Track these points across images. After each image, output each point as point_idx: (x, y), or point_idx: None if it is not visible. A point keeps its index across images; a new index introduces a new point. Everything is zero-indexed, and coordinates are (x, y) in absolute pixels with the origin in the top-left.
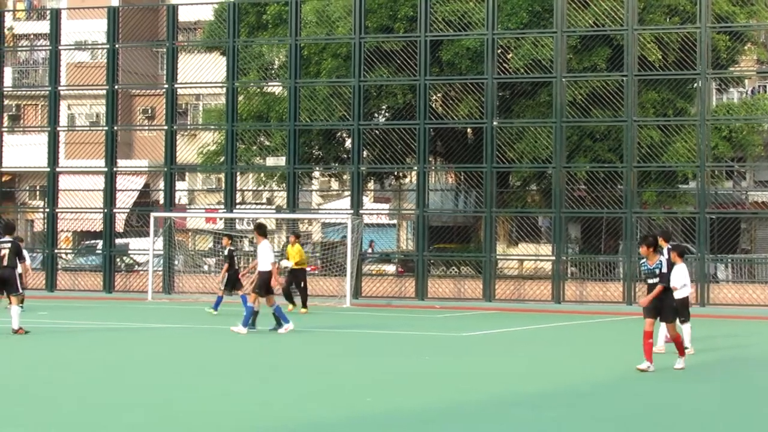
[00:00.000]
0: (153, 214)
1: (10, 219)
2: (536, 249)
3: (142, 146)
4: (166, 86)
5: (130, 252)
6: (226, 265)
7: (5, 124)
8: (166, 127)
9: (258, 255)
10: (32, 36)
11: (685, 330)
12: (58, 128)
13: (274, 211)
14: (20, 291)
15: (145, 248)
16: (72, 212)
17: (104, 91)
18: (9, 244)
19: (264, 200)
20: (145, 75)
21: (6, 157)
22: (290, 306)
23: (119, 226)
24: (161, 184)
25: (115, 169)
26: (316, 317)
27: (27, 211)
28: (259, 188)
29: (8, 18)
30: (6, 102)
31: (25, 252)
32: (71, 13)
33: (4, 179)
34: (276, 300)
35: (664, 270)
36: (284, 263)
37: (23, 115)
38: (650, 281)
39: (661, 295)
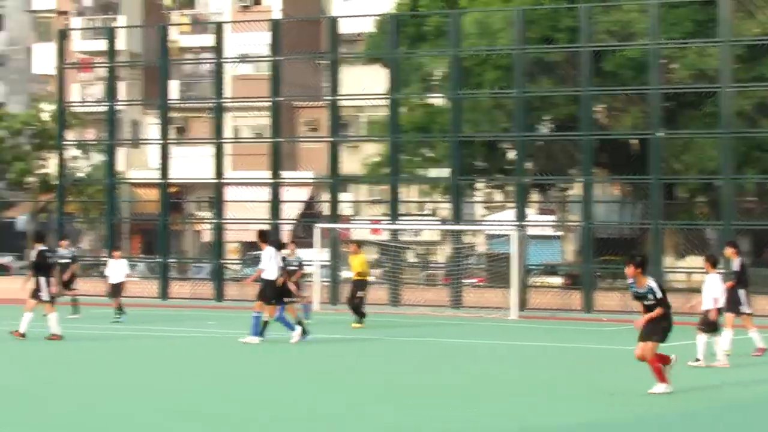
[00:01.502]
0: (318, 226)
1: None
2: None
3: (307, 158)
4: (328, 98)
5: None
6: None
7: (172, 136)
8: (329, 139)
9: (261, 262)
10: (197, 49)
11: (723, 337)
12: (224, 140)
13: (438, 222)
14: (47, 298)
15: (311, 259)
16: (238, 223)
17: (268, 104)
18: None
19: (428, 212)
20: (308, 87)
21: (173, 169)
22: (355, 324)
23: (285, 237)
24: (326, 196)
25: (279, 180)
26: (484, 329)
27: (194, 222)
28: (423, 200)
29: (173, 32)
30: (172, 115)
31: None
32: (234, 26)
33: (172, 191)
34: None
35: (659, 295)
36: (345, 274)
37: (189, 128)
38: (646, 303)
39: (659, 317)
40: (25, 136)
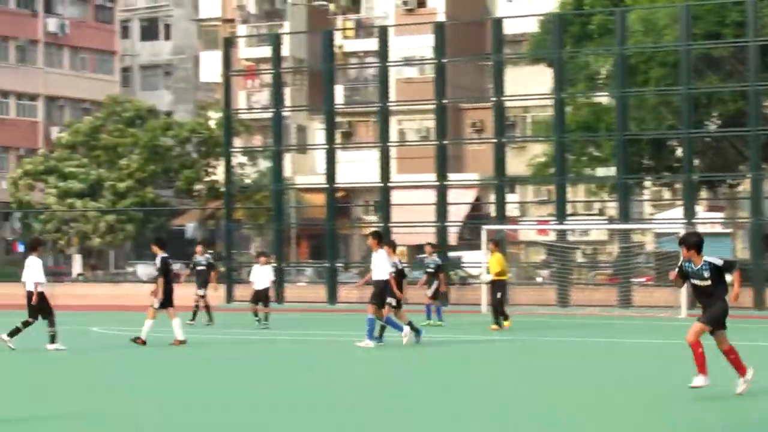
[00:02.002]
0: (484, 227)
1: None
2: None
3: (473, 159)
4: (493, 99)
5: (463, 265)
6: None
7: (338, 141)
8: (495, 140)
9: (374, 264)
10: (361, 53)
11: None
12: (389, 144)
13: (606, 222)
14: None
15: (479, 261)
16: (405, 226)
17: (433, 106)
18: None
19: (595, 211)
20: (473, 88)
21: (340, 173)
22: (494, 325)
23: (452, 239)
24: (492, 197)
25: (445, 182)
26: (657, 330)
27: (362, 226)
28: (590, 199)
29: (338, 37)
30: (338, 119)
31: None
32: (398, 29)
33: (338, 195)
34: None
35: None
36: (485, 277)
37: (355, 132)
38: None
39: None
40: (192, 144)
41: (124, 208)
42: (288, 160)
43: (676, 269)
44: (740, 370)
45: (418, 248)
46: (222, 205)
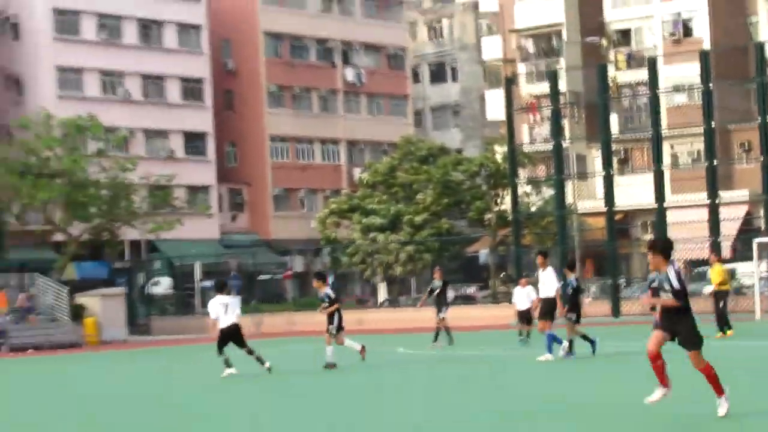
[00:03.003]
0: (756, 240)
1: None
2: None
3: (741, 177)
4: (759, 120)
5: (737, 276)
6: None
7: (615, 167)
8: (762, 159)
9: (542, 282)
10: (633, 84)
11: None
12: (663, 167)
13: None
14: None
15: (751, 271)
16: (680, 243)
17: (701, 129)
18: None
19: None
20: (740, 110)
21: (618, 197)
22: (719, 333)
23: (725, 252)
24: (761, 212)
25: (717, 200)
26: None
27: (639, 245)
28: None
29: (611, 69)
30: (614, 147)
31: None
32: (667, 59)
33: (617, 218)
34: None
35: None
36: (707, 288)
37: (630, 158)
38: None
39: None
40: (481, 177)
41: (421, 239)
42: (569, 187)
43: (648, 290)
44: (717, 389)
45: (695, 263)
46: (510, 232)
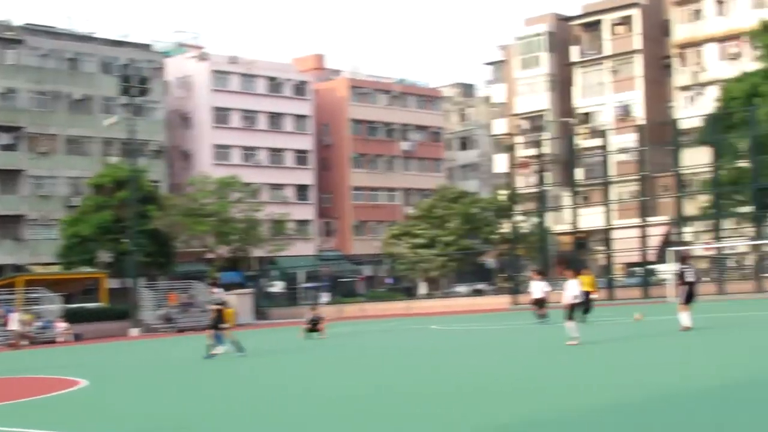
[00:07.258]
0: (670, 249)
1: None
2: None
3: (663, 208)
4: (673, 170)
5: (658, 273)
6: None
7: (579, 202)
8: (676, 196)
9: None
10: (592, 147)
11: None
12: (610, 202)
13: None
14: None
15: (666, 270)
16: (621, 252)
17: (637, 176)
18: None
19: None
20: (662, 164)
21: (581, 222)
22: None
23: (651, 257)
24: (675, 230)
25: (646, 223)
26: None
27: (595, 253)
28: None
29: (578, 138)
30: (578, 189)
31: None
32: (615, 131)
33: (580, 236)
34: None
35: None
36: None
37: (590, 196)
38: None
39: None
40: (490, 210)
41: (449, 253)
42: (549, 217)
43: None
44: None
45: (631, 264)
46: (509, 247)
